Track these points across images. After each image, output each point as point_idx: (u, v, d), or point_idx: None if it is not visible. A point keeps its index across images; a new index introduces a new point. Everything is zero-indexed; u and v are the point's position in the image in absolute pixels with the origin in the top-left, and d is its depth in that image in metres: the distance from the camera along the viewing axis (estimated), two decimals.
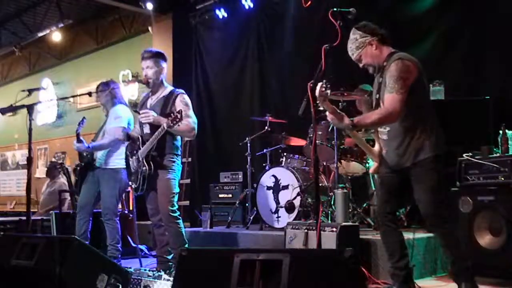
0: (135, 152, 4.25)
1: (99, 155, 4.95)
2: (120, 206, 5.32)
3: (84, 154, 5.03)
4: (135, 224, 5.41)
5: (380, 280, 3.90)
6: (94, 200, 4.97)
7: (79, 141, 4.94)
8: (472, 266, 3.15)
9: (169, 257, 4.25)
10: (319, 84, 3.01)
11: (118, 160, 4.89)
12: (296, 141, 5.63)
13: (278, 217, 5.16)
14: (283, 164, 5.41)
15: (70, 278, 2.62)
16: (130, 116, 5.02)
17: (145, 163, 4.09)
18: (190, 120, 4.09)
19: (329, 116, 3.15)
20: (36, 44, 10.87)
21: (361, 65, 3.36)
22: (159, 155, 4.11)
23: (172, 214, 4.09)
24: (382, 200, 3.39)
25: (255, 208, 5.46)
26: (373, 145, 3.51)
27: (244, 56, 7.32)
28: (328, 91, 3.01)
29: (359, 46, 3.30)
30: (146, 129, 4.18)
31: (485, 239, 3.87)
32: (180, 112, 3.83)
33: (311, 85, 2.97)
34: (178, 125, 3.86)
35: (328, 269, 1.95)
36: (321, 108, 3.11)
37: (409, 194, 3.28)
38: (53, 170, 7.72)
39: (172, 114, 3.86)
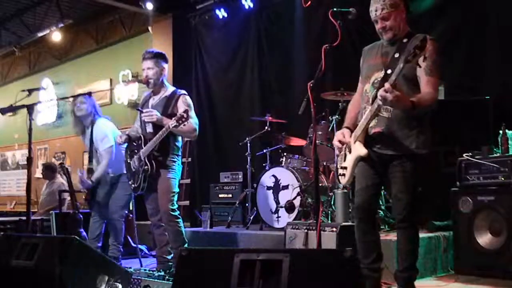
0: (136, 151, 4.25)
1: (110, 170, 4.96)
2: None
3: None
4: (135, 224, 5.41)
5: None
6: (107, 205, 5.04)
7: (82, 183, 4.93)
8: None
9: (169, 257, 4.25)
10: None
11: None
12: (296, 141, 5.63)
13: (278, 217, 5.16)
14: (283, 164, 5.41)
15: (70, 278, 2.62)
16: (112, 127, 5.05)
17: (147, 162, 4.10)
18: (192, 121, 4.09)
19: (387, 95, 2.65)
20: (36, 44, 10.87)
21: (380, 26, 2.93)
22: (161, 154, 4.12)
23: (172, 213, 4.10)
24: (366, 192, 3.02)
25: (255, 208, 5.46)
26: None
27: (244, 56, 7.31)
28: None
29: (394, 4, 2.87)
30: (149, 128, 4.19)
31: (485, 239, 3.87)
32: (186, 112, 3.86)
33: (311, 85, 2.97)
34: (184, 125, 3.89)
35: (328, 269, 1.95)
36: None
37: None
38: (47, 171, 7.69)
39: (178, 114, 3.89)
